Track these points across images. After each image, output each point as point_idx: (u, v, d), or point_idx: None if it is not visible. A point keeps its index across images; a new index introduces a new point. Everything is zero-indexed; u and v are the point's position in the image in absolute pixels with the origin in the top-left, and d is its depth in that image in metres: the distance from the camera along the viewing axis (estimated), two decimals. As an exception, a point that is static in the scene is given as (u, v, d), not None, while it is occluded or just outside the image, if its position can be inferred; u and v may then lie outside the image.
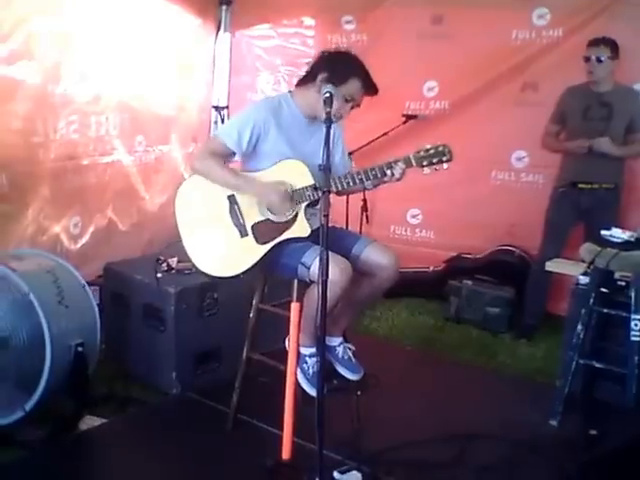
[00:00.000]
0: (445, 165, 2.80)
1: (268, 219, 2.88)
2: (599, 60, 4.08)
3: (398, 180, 2.82)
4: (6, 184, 4.04)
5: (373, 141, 5.06)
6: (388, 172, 2.80)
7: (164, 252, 3.74)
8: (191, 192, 3.00)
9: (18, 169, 4.13)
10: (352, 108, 2.91)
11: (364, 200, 5.16)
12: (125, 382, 3.66)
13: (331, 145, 2.93)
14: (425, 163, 2.79)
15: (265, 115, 2.90)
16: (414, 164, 2.80)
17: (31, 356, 3.09)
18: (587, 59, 4.14)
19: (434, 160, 2.79)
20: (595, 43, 4.11)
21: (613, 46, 4.09)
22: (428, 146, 2.81)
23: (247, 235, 2.90)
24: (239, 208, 2.91)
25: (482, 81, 4.99)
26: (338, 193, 2.95)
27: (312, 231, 2.86)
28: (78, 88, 4.46)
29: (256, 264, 2.90)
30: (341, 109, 2.85)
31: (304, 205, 2.86)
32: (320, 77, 2.84)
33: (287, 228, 2.87)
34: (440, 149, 2.79)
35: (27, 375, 3.10)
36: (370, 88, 2.89)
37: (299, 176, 2.85)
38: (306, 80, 2.94)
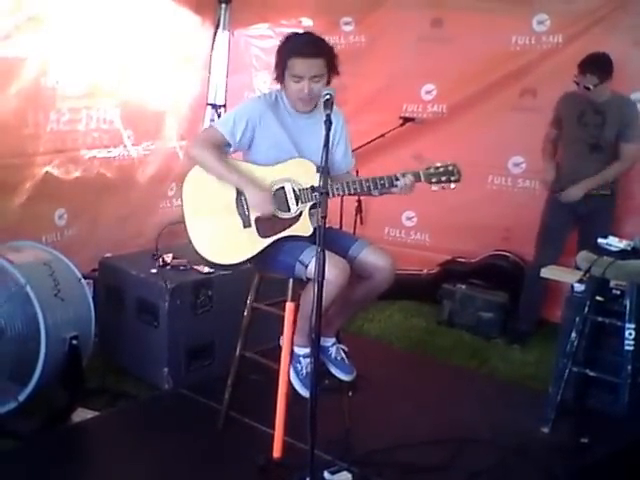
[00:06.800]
0: (452, 185, 2.85)
1: (273, 214, 2.89)
2: (587, 88, 4.06)
3: (406, 193, 2.85)
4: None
5: (370, 142, 5.06)
6: (397, 183, 2.83)
7: (160, 249, 3.73)
8: (200, 178, 2.96)
9: (7, 162, 4.11)
10: (323, 82, 2.82)
11: (359, 201, 5.17)
12: (117, 376, 3.67)
13: (331, 144, 2.96)
14: (434, 180, 2.84)
15: (262, 109, 2.92)
16: (423, 180, 2.85)
17: (26, 347, 3.10)
18: (577, 83, 4.11)
19: (442, 178, 2.84)
20: (583, 71, 4.04)
21: (602, 70, 4.01)
22: (438, 164, 2.86)
23: (250, 226, 2.91)
24: (245, 199, 2.91)
25: (480, 86, 4.98)
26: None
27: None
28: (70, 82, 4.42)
29: (254, 256, 2.91)
30: (304, 89, 2.81)
31: (309, 205, 2.87)
32: (275, 76, 2.91)
33: (290, 225, 2.89)
34: (450, 169, 2.85)
35: (21, 366, 3.11)
36: (302, 52, 2.80)
37: (306, 175, 2.86)
38: (277, 79, 2.95)
